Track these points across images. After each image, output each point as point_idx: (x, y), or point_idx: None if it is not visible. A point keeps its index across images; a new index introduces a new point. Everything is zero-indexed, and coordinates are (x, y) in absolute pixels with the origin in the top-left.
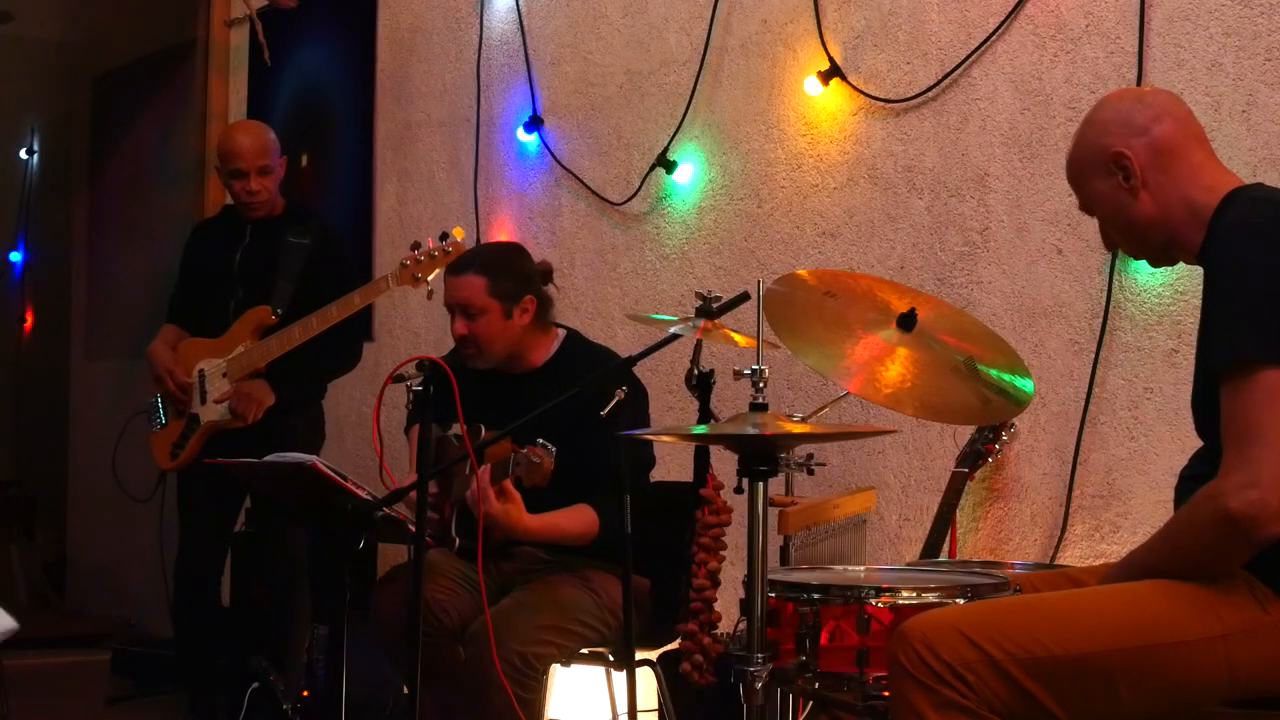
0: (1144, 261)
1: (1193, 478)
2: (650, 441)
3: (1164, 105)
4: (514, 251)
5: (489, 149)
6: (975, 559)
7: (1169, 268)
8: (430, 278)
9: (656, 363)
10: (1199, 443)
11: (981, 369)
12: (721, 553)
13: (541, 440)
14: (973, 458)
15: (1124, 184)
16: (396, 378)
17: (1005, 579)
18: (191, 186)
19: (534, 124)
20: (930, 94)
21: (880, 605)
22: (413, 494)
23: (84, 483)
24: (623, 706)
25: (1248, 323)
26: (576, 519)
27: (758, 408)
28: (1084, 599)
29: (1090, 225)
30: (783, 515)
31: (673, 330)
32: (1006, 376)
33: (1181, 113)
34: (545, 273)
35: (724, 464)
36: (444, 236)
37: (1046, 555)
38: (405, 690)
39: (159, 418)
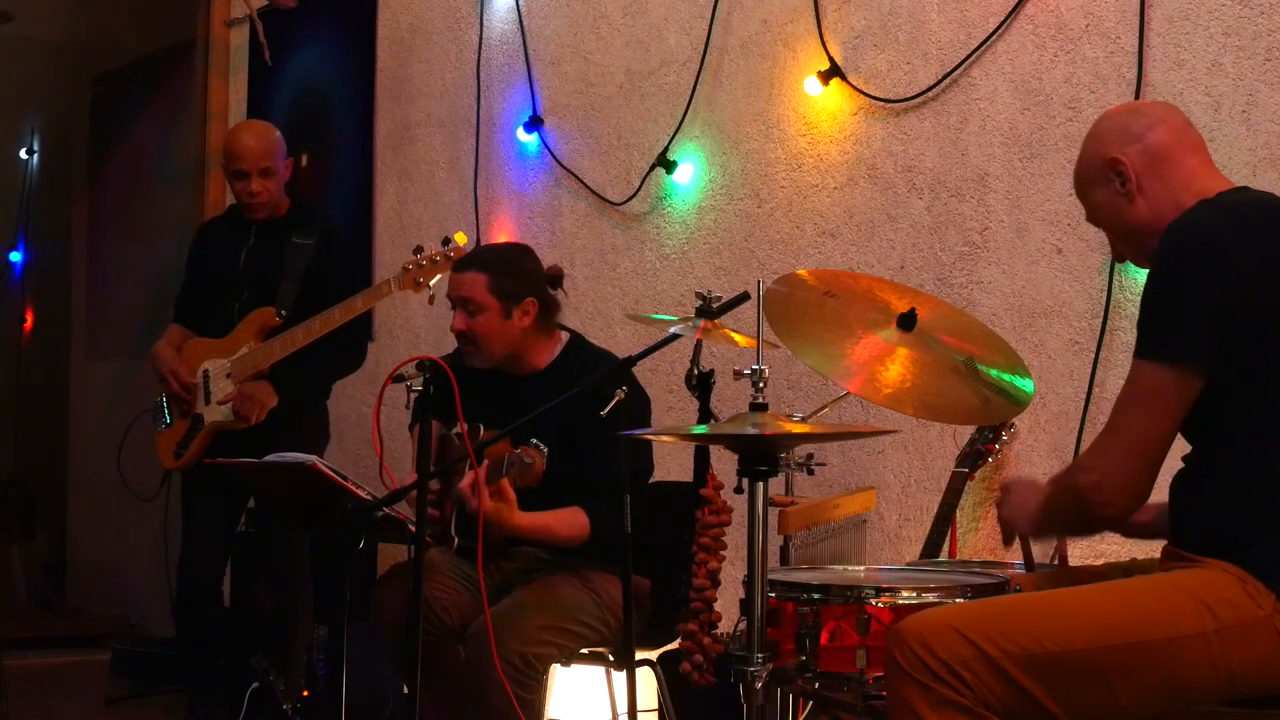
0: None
1: (1186, 473)
2: (650, 448)
3: (1159, 114)
4: (520, 253)
5: (489, 149)
6: (975, 559)
7: None
8: (432, 282)
9: (656, 363)
10: None
11: (981, 369)
12: (721, 553)
13: (534, 441)
14: (973, 458)
15: (1120, 189)
16: (396, 378)
17: (1005, 579)
18: (191, 186)
19: (534, 124)
20: (930, 94)
21: (880, 605)
22: (413, 494)
23: (84, 483)
24: (623, 706)
25: (1142, 322)
26: (568, 522)
27: (758, 408)
28: (1079, 597)
29: (1090, 225)
30: (783, 515)
31: (673, 330)
32: (1006, 376)
33: (1177, 121)
34: (554, 277)
35: (724, 464)
36: (446, 241)
37: (1046, 555)
38: (405, 690)
39: (164, 417)
